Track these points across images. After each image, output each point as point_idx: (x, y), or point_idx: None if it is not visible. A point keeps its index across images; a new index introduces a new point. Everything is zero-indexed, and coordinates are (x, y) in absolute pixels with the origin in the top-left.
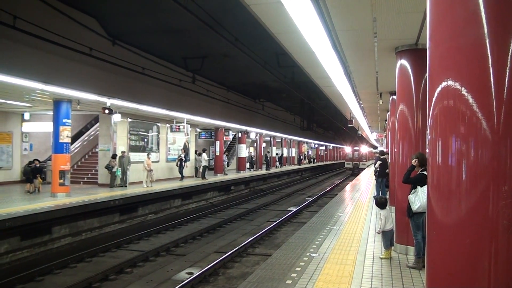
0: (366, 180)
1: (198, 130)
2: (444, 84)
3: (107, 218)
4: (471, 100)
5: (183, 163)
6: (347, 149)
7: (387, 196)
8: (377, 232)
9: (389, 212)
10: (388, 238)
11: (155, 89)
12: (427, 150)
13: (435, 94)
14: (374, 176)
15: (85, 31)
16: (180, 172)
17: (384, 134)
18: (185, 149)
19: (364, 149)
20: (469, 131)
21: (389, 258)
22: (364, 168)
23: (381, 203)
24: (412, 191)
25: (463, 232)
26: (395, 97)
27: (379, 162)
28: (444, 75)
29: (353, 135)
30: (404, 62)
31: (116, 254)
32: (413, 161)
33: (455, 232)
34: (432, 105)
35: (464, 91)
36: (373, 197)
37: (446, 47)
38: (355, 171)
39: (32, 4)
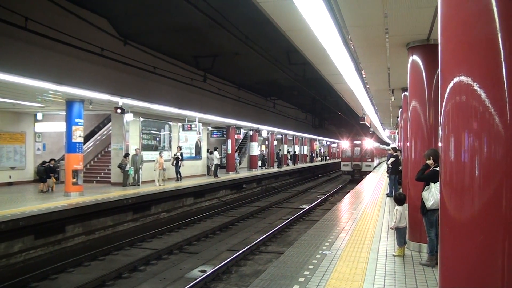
0: (378, 179)
1: (210, 128)
2: (456, 79)
3: (120, 216)
4: (483, 95)
5: (179, 162)
6: (344, 144)
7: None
8: (390, 228)
9: (404, 209)
10: (401, 236)
11: (166, 88)
12: (439, 146)
13: (447, 90)
14: (386, 174)
15: (97, 32)
16: (177, 172)
17: (397, 131)
18: (197, 148)
19: (368, 143)
20: (482, 127)
21: (402, 255)
22: (370, 172)
23: (399, 199)
24: (426, 188)
25: (476, 229)
26: (407, 93)
27: (392, 159)
28: (456, 70)
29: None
30: (416, 58)
31: (129, 252)
32: (429, 161)
33: (468, 229)
34: (444, 101)
35: (476, 86)
36: (386, 194)
37: (457, 42)
38: (356, 176)
39: (43, 6)
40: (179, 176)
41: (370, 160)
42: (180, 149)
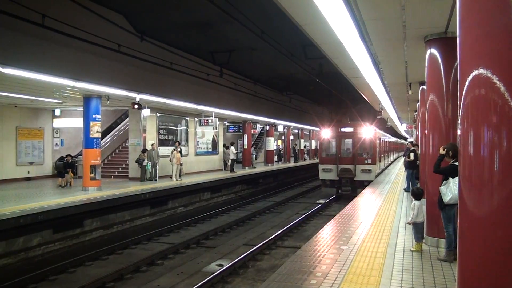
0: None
1: (226, 123)
2: (475, 72)
3: (138, 211)
4: (502, 88)
5: (172, 158)
6: (324, 133)
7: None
8: (407, 223)
9: (422, 204)
10: (419, 231)
11: (183, 84)
12: (458, 141)
13: (466, 83)
14: (404, 168)
15: (113, 28)
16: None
17: (414, 125)
18: (214, 143)
19: (367, 132)
20: (501, 121)
21: (420, 251)
22: (369, 182)
23: (417, 194)
24: (444, 183)
25: (496, 224)
26: (425, 87)
27: (412, 154)
28: (475, 63)
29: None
30: (433, 51)
31: (147, 246)
32: (441, 149)
33: (487, 224)
34: (463, 94)
35: (495, 79)
36: (404, 189)
37: (476, 34)
38: (344, 190)
39: (60, 3)
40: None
41: (370, 161)
42: (179, 144)
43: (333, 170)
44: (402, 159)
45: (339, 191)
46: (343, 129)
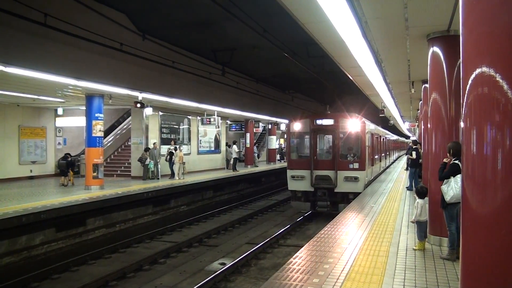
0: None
1: (229, 122)
2: (478, 71)
3: (141, 210)
4: (506, 87)
5: (173, 157)
6: (294, 127)
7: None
8: (411, 221)
9: (425, 203)
10: (422, 229)
11: (185, 82)
12: (461, 139)
13: (469, 82)
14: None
15: (116, 27)
16: (171, 168)
17: (417, 124)
18: (216, 141)
19: (353, 125)
20: (505, 119)
21: (423, 249)
22: (356, 195)
23: (421, 192)
24: (445, 182)
25: (499, 223)
26: (427, 85)
27: (414, 152)
28: (478, 61)
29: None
30: (436, 49)
31: (150, 245)
32: (446, 159)
33: (491, 223)
34: (466, 93)
35: (498, 78)
36: (406, 187)
37: (479, 33)
38: (322, 206)
39: (62, 2)
40: (173, 173)
41: (356, 165)
42: (175, 143)
43: (306, 177)
44: (401, 162)
45: (315, 207)
46: (319, 122)
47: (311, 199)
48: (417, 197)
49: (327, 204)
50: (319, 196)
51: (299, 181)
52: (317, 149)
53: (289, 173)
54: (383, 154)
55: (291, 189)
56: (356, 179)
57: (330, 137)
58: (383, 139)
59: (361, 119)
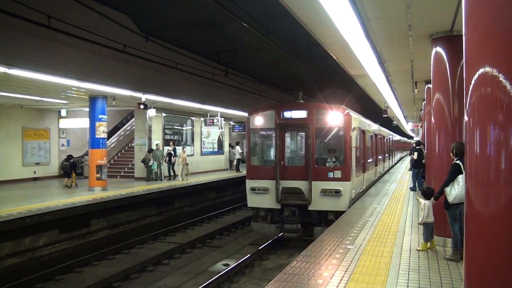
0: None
1: (232, 123)
2: (481, 71)
3: (144, 211)
4: (509, 86)
5: (172, 158)
6: (255, 122)
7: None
8: (418, 223)
9: (431, 203)
10: (429, 231)
11: (188, 83)
12: (464, 140)
13: (472, 82)
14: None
15: (119, 28)
16: (169, 170)
17: (420, 124)
18: (220, 142)
19: (334, 118)
20: (508, 119)
21: (427, 250)
22: (341, 212)
23: (428, 193)
24: None
25: (502, 223)
26: (430, 85)
27: (416, 153)
28: (481, 61)
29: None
30: (439, 49)
31: (153, 246)
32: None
33: (494, 223)
34: (469, 93)
35: (501, 78)
36: (410, 188)
37: (482, 32)
38: (288, 229)
39: (65, 3)
40: (172, 174)
41: (338, 173)
42: (174, 144)
43: (270, 190)
44: (402, 164)
45: (281, 231)
46: (288, 114)
47: (278, 220)
48: (423, 198)
49: (297, 228)
50: (287, 217)
51: (262, 196)
52: (284, 151)
53: (249, 184)
54: (380, 157)
55: (251, 205)
56: (337, 192)
57: (302, 134)
58: (381, 138)
59: (345, 110)
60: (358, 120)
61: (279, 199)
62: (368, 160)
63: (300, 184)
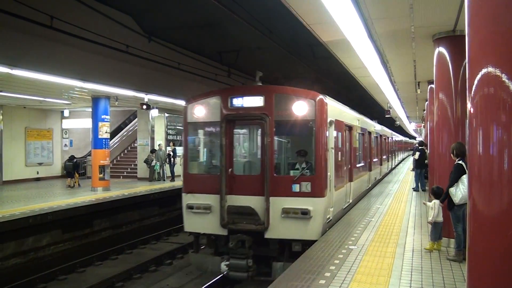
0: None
1: None
2: (484, 71)
3: (147, 211)
4: None
5: (171, 159)
6: (194, 112)
7: (426, 188)
8: (428, 222)
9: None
10: (438, 231)
11: (191, 84)
12: (466, 140)
13: (475, 82)
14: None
15: (121, 29)
16: (171, 171)
17: (423, 124)
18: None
19: (302, 109)
20: (511, 119)
21: (433, 250)
22: (312, 242)
23: (437, 193)
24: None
25: (505, 224)
26: (433, 85)
27: (418, 153)
28: (484, 61)
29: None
30: (442, 49)
31: (156, 246)
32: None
33: (497, 224)
34: (472, 93)
35: (504, 78)
36: (412, 188)
37: (485, 32)
38: (234, 264)
39: (68, 4)
40: (170, 175)
41: (308, 186)
42: (174, 145)
43: (214, 209)
44: (403, 165)
45: (225, 267)
46: (237, 102)
47: (222, 251)
48: (432, 199)
49: (247, 264)
50: (233, 249)
51: (202, 216)
52: (232, 155)
53: (185, 200)
54: (376, 160)
55: (188, 230)
56: (305, 214)
57: (258, 131)
58: (377, 137)
59: (317, 96)
60: (338, 110)
61: (225, 221)
62: (358, 165)
63: (253, 201)
